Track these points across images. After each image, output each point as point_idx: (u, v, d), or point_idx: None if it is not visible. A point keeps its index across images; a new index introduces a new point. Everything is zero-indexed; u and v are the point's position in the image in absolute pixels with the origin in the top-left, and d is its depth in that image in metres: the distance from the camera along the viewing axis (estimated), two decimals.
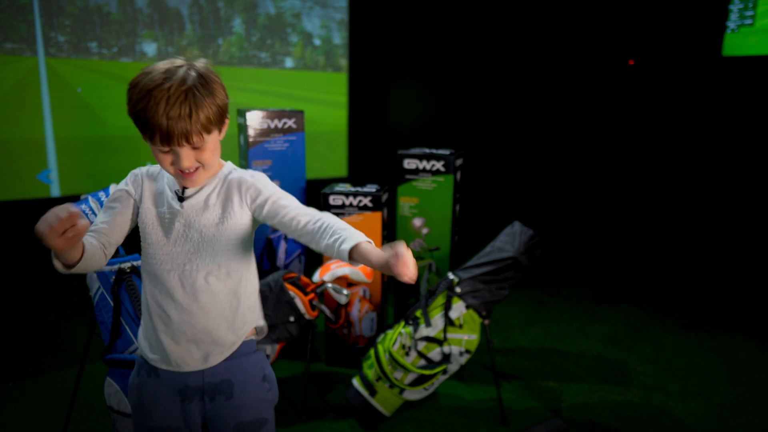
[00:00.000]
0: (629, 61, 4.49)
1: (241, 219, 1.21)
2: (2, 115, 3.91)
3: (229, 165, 1.26)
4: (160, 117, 1.05)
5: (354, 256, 1.06)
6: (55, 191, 4.13)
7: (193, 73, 1.09)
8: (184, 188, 1.20)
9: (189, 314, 1.19)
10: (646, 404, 2.49)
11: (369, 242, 1.08)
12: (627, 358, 2.92)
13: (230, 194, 1.20)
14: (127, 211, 1.21)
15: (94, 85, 4.25)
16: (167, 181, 1.22)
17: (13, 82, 3.93)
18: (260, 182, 1.22)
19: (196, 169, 1.15)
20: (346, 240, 1.07)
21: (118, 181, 1.34)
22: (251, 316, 1.28)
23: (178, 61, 1.11)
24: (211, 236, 1.19)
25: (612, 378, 2.71)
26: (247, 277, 1.26)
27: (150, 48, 4.47)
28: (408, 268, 0.99)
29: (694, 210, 4.24)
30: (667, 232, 4.41)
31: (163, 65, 1.09)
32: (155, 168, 1.25)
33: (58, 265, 1.07)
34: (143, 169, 1.25)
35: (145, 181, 1.23)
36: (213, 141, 1.15)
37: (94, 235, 1.16)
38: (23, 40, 3.92)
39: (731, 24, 3.84)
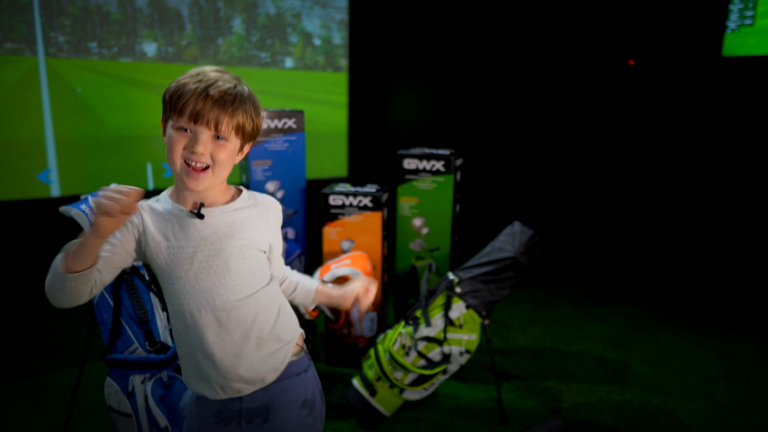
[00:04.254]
0: (629, 61, 4.49)
1: (267, 241, 1.17)
2: (2, 115, 3.90)
3: (246, 190, 1.20)
4: (202, 91, 1.01)
5: (316, 296, 1.34)
6: (55, 191, 4.13)
7: (247, 88, 1.10)
8: (201, 205, 1.08)
9: (232, 348, 1.10)
10: (646, 404, 2.49)
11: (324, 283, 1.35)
12: (627, 358, 2.92)
13: (260, 215, 1.14)
14: (128, 243, 1.06)
15: (94, 85, 4.24)
16: (172, 209, 1.09)
17: (13, 82, 3.93)
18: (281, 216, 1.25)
19: (206, 168, 1.05)
20: (310, 282, 1.34)
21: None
22: (291, 322, 1.22)
23: None
24: (239, 263, 1.09)
25: (612, 378, 2.71)
26: (276, 290, 1.22)
27: (150, 48, 4.47)
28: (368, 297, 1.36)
29: (694, 210, 4.24)
30: (667, 232, 4.41)
31: None
32: (153, 200, 1.13)
33: (61, 266, 0.94)
34: (143, 201, 1.11)
35: (147, 210, 1.09)
36: (232, 148, 1.08)
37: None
38: (23, 40, 3.92)
39: (731, 24, 3.84)
